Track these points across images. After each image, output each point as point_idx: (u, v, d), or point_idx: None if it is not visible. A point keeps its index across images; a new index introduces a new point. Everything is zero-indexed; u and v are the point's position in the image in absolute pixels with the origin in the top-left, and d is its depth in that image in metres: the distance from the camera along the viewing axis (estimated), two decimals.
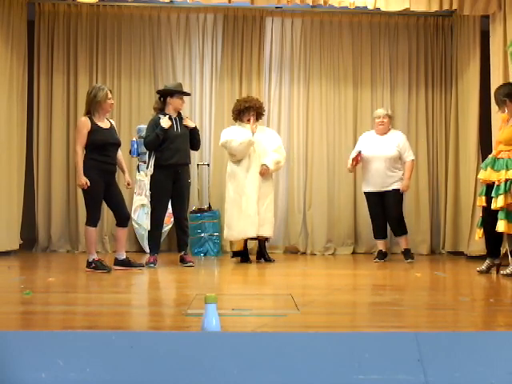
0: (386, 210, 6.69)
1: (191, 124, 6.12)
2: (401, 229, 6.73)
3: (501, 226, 5.18)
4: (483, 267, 5.52)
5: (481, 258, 6.70)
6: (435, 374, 2.28)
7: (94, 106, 5.44)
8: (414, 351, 2.32)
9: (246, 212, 6.22)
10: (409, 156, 6.74)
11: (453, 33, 7.81)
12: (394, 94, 7.96)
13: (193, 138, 6.11)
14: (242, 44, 7.78)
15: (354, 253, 7.77)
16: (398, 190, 6.64)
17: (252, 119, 6.37)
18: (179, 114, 6.09)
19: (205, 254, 7.24)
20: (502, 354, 2.37)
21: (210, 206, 7.54)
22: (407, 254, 6.70)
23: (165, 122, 5.88)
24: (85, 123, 5.41)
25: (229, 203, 6.39)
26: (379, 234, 6.87)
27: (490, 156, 5.52)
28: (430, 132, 7.97)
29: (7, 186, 6.91)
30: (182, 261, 6.00)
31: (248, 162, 6.33)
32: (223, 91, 7.79)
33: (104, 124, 5.52)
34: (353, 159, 6.76)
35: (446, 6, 6.50)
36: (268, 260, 6.53)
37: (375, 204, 6.74)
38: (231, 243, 6.63)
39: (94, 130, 5.41)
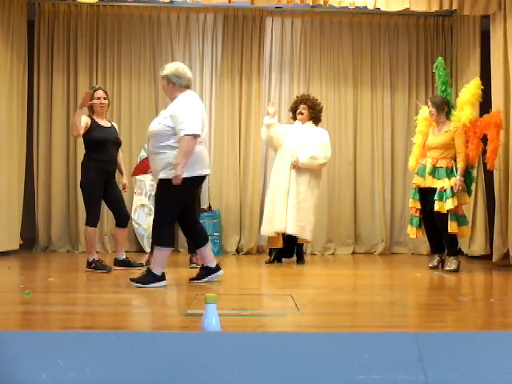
0: None
1: None
2: (196, 241, 4.82)
3: (452, 227, 5.58)
4: (434, 263, 5.94)
5: (481, 258, 6.71)
6: (435, 374, 2.28)
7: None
8: (414, 351, 2.32)
9: (276, 206, 6.20)
10: (183, 129, 4.30)
11: (453, 33, 7.81)
12: (394, 94, 7.95)
13: None
14: (242, 44, 7.78)
15: (353, 253, 7.76)
16: (167, 180, 4.36)
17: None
18: None
19: None
20: (501, 353, 2.37)
21: (210, 206, 7.54)
22: (202, 273, 4.79)
23: None
24: (84, 118, 5.44)
25: (267, 198, 6.50)
26: None
27: (428, 164, 5.76)
28: None
29: (7, 186, 6.91)
30: (190, 262, 6.02)
31: (281, 154, 6.33)
32: (223, 91, 7.78)
33: (104, 123, 5.57)
34: None
35: (446, 6, 6.50)
36: (301, 260, 6.42)
37: None
38: (268, 240, 6.63)
39: (93, 126, 5.44)
